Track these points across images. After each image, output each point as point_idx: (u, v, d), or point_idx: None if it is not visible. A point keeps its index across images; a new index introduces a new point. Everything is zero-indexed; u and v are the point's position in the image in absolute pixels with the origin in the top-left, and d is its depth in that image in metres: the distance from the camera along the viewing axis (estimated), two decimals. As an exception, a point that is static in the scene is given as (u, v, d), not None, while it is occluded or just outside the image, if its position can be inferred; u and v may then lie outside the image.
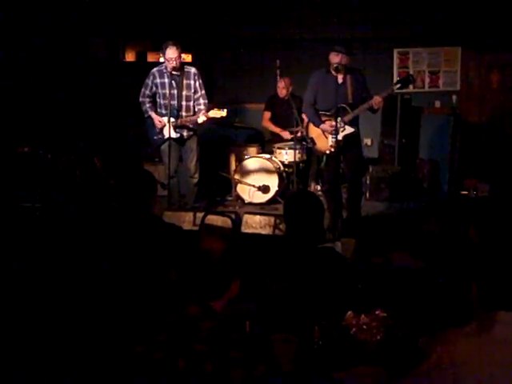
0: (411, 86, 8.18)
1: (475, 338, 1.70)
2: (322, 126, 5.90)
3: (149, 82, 6.52)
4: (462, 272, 2.49)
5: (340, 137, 5.79)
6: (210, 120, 6.47)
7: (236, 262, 2.04)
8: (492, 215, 2.98)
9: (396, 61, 8.89)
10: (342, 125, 5.79)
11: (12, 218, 5.39)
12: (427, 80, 8.87)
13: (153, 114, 6.52)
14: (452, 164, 8.21)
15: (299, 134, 6.85)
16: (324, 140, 5.95)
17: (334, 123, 5.72)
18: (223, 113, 6.30)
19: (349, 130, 5.84)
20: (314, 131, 6.04)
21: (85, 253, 3.08)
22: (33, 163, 6.82)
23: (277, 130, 7.76)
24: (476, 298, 1.81)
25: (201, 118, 6.34)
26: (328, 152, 5.91)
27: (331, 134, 5.82)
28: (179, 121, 6.41)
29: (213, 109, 6.36)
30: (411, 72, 8.62)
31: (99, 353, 2.23)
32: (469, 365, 1.65)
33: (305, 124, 6.47)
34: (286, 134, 7.55)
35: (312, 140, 6.10)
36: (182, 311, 1.91)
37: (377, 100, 5.66)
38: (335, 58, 5.68)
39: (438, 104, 8.87)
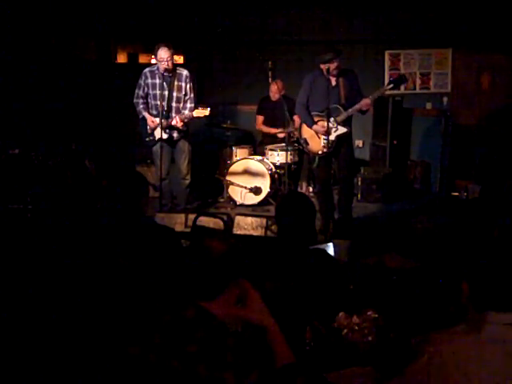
0: (402, 88, 8.22)
1: (466, 338, 1.71)
2: (315, 126, 5.92)
3: (141, 82, 6.52)
4: (452, 272, 2.50)
5: (333, 137, 5.83)
6: (199, 119, 6.47)
7: (235, 265, 2.03)
8: (483, 215, 3.00)
9: (387, 62, 8.92)
10: (335, 125, 5.82)
11: (2, 220, 5.36)
12: (418, 82, 8.90)
13: (146, 115, 6.51)
14: (443, 165, 8.24)
15: (291, 129, 6.85)
16: (317, 141, 5.97)
17: (326, 124, 5.75)
18: (206, 111, 6.29)
19: (342, 130, 5.86)
20: (307, 132, 6.06)
21: (77, 254, 3.07)
22: (24, 165, 6.79)
23: (272, 130, 7.74)
24: (467, 299, 1.82)
25: (177, 120, 6.34)
26: (320, 152, 5.93)
27: (323, 135, 5.85)
28: (169, 121, 6.40)
29: (197, 108, 6.36)
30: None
31: (92, 353, 2.22)
32: (459, 365, 1.66)
33: (297, 125, 6.48)
34: (281, 133, 7.50)
35: (305, 141, 6.12)
36: (178, 313, 1.91)
37: (365, 102, 5.70)
38: (325, 67, 5.73)
39: (429, 106, 8.91)
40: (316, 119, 5.95)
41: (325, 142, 5.84)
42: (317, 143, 5.97)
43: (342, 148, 5.94)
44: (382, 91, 5.92)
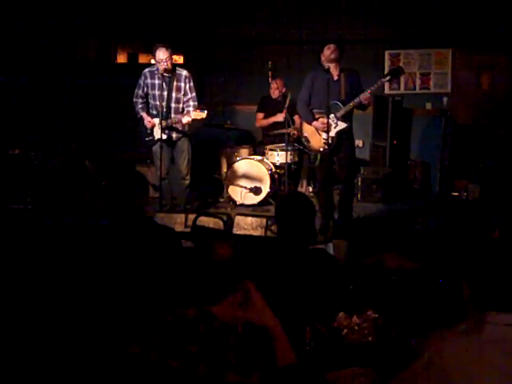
0: (402, 88, 8.22)
1: (466, 338, 1.71)
2: (315, 123, 5.93)
3: (141, 82, 6.53)
4: (452, 272, 2.50)
5: (333, 133, 5.83)
6: (197, 121, 6.47)
7: (240, 269, 2.02)
8: (483, 215, 3.00)
9: (387, 62, 8.92)
10: (335, 121, 5.82)
11: (3, 220, 5.37)
12: (418, 82, 8.90)
13: (144, 115, 6.51)
14: (443, 165, 8.24)
15: (291, 128, 6.84)
16: (318, 137, 5.97)
17: (326, 120, 5.76)
18: (203, 114, 6.27)
19: (341, 125, 5.86)
20: (308, 129, 6.06)
21: (78, 254, 3.07)
22: (24, 165, 6.80)
23: (271, 120, 7.68)
24: (467, 299, 1.82)
25: (185, 119, 6.34)
26: (322, 149, 5.93)
27: (324, 132, 5.85)
28: (168, 121, 6.40)
29: (195, 110, 6.36)
30: (402, 74, 8.65)
31: (93, 353, 2.22)
32: (459, 365, 1.65)
33: (298, 125, 6.48)
34: (279, 117, 7.39)
35: (306, 138, 6.12)
36: (179, 313, 1.90)
37: (364, 95, 5.70)
38: (327, 51, 5.75)
39: (428, 106, 8.90)
40: (316, 116, 5.95)
41: (325, 138, 5.84)
42: (318, 140, 5.97)
43: (343, 147, 5.94)
44: (379, 84, 5.90)
